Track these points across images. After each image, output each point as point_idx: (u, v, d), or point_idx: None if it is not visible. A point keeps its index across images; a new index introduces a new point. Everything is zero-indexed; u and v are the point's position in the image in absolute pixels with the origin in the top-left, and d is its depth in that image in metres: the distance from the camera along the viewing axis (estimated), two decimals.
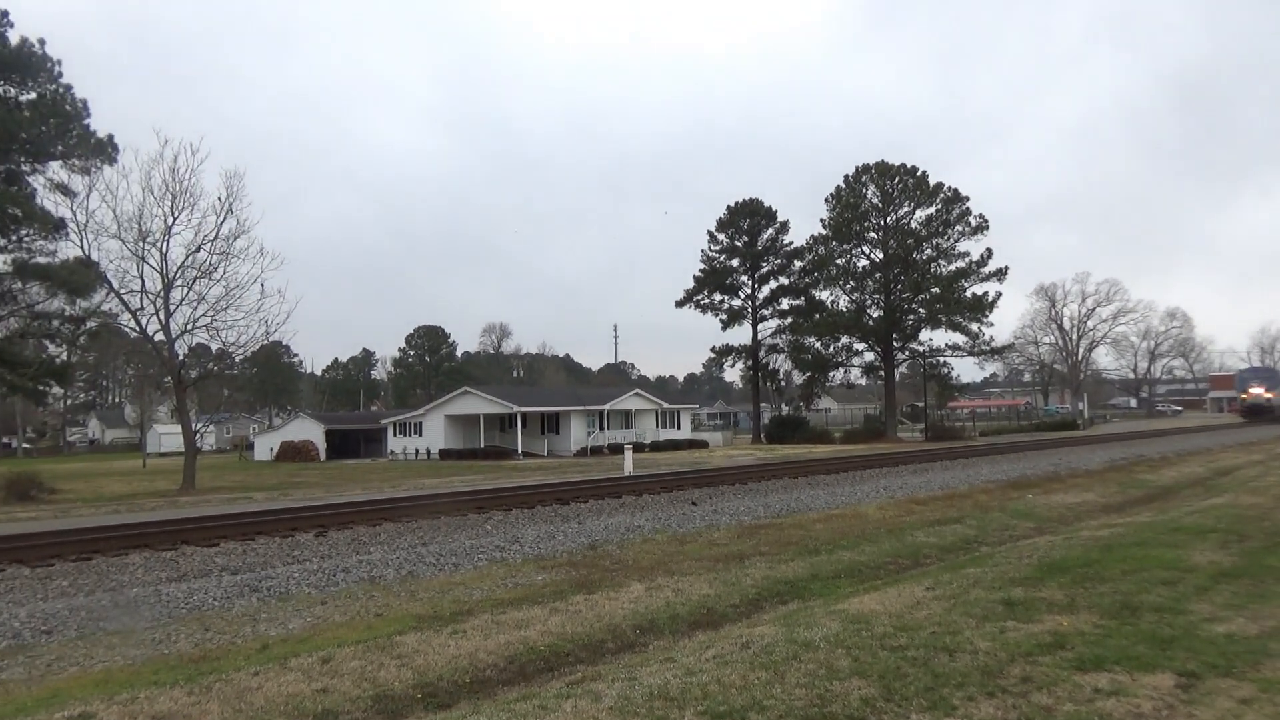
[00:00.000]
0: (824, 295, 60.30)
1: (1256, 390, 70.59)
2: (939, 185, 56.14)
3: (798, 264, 61.56)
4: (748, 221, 62.34)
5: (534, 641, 6.90)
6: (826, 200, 59.13)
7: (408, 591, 8.95)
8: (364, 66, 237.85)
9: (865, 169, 57.78)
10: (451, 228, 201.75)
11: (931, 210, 56.46)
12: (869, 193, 57.79)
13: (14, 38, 34.22)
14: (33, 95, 35.21)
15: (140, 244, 32.87)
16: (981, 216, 55.54)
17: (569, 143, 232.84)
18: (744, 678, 5.12)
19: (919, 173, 56.32)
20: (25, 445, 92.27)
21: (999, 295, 55.13)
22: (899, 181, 56.94)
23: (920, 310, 56.06)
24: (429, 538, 12.36)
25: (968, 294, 54.59)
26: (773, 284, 62.77)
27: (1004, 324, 74.31)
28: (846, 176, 58.34)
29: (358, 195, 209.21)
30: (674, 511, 15.06)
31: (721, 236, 62.83)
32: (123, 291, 33.57)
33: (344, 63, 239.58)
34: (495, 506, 15.55)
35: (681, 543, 11.81)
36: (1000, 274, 55.35)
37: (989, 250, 55.43)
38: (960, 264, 55.73)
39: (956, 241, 56.20)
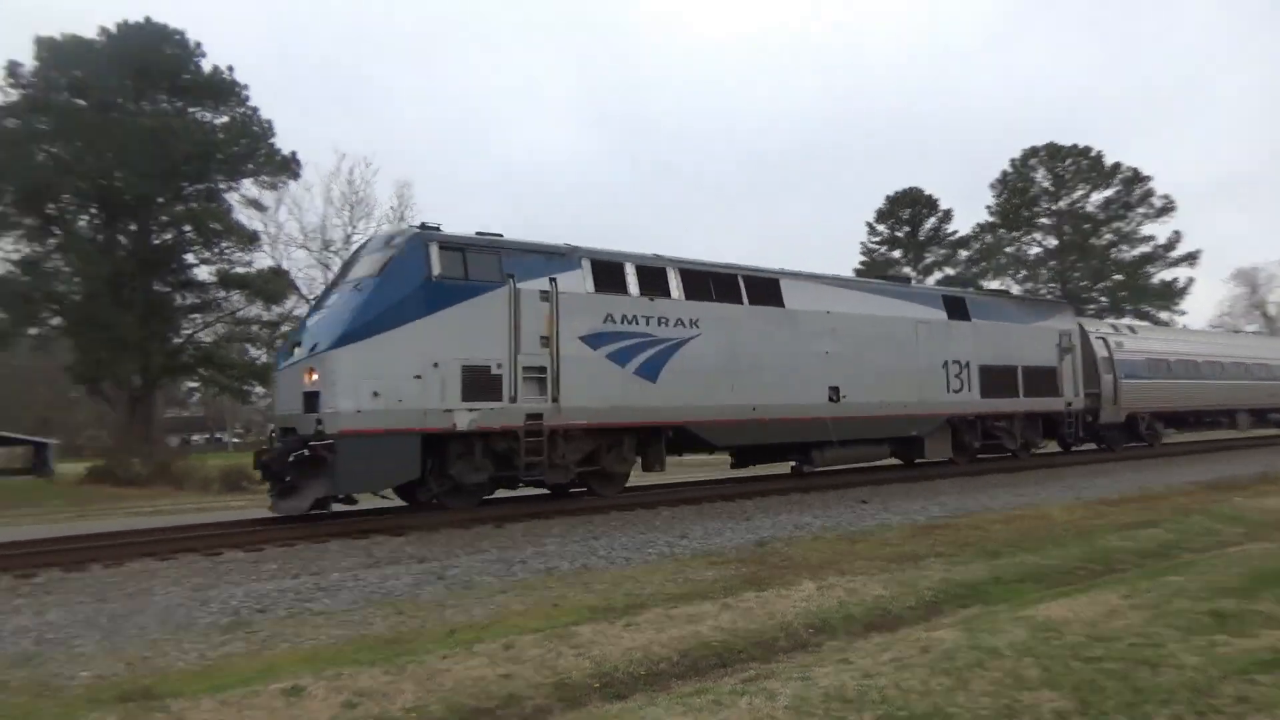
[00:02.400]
0: (994, 285, 57.65)
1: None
2: (1116, 165, 52.50)
3: (963, 253, 59.20)
4: (908, 211, 60.43)
5: (706, 636, 6.96)
6: (992, 186, 56.90)
7: (582, 583, 9.22)
8: (506, 71, 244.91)
9: (1033, 151, 54.88)
10: (602, 227, 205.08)
11: (1109, 192, 53.02)
12: (1038, 176, 54.82)
13: (206, 66, 37.71)
14: (225, 118, 38.70)
15: (324, 252, 35.63)
16: (1167, 197, 51.48)
17: (711, 136, 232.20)
18: (924, 683, 4.99)
19: (1093, 153, 52.81)
20: (234, 440, 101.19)
21: (1191, 281, 50.89)
22: (1071, 163, 53.66)
23: (1102, 299, 52.47)
24: (599, 531, 12.68)
25: (1154, 281, 50.76)
26: (938, 275, 60.55)
27: (1199, 312, 67.78)
28: (1013, 160, 55.82)
29: (504, 201, 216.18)
30: (842, 509, 14.78)
31: (881, 227, 61.21)
32: (310, 297, 36.50)
33: (488, 69, 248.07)
34: (661, 503, 15.76)
35: (852, 541, 11.57)
36: (1191, 258, 51.04)
37: (1177, 233, 51.28)
38: (1145, 249, 51.88)
39: (1139, 225, 52.38)
